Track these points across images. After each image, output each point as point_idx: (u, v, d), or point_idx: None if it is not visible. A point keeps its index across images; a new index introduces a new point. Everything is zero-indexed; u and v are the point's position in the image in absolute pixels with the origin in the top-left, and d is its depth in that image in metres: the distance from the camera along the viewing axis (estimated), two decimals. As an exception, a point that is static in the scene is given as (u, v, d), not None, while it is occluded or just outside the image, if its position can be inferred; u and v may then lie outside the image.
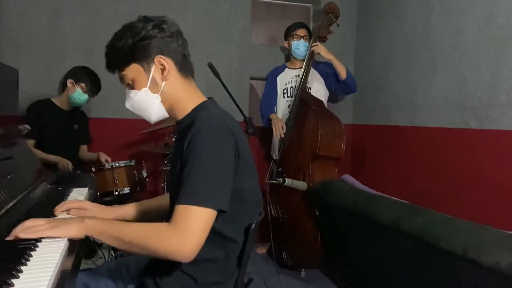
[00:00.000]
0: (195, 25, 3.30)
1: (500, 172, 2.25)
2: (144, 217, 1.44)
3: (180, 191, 1.05)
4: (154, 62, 1.18)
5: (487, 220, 1.99)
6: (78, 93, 2.71)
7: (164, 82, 1.20)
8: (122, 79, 1.22)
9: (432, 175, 2.73)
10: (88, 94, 2.74)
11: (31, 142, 2.65)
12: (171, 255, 1.01)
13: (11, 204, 1.29)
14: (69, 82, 2.71)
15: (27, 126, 2.02)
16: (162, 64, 1.18)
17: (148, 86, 1.20)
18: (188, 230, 1.00)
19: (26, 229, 1.07)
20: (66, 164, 2.57)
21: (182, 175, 1.08)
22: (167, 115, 1.26)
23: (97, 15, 3.09)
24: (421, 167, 2.83)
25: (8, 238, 1.06)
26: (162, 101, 1.22)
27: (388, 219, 1.86)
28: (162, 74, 1.19)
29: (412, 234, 1.69)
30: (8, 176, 1.40)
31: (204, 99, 1.26)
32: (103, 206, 1.42)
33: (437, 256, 1.56)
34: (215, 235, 1.12)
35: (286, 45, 3.20)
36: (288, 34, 3.15)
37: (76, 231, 1.08)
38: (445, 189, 2.61)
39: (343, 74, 3.02)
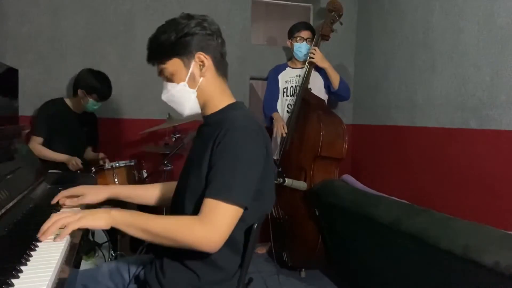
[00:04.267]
0: (195, 25, 3.30)
1: (500, 172, 2.25)
2: (134, 200, 1.47)
3: (210, 185, 1.08)
4: (194, 58, 1.21)
5: (487, 220, 1.99)
6: (92, 103, 2.73)
7: (201, 78, 1.23)
8: (161, 72, 1.25)
9: (432, 175, 2.73)
10: (101, 101, 2.76)
11: (39, 140, 2.66)
12: (198, 247, 1.05)
13: (11, 204, 1.29)
14: (81, 92, 2.71)
15: (27, 126, 2.02)
16: (202, 61, 1.22)
17: (186, 80, 1.23)
18: (216, 224, 1.05)
19: (54, 224, 1.09)
20: (75, 162, 2.58)
21: (213, 169, 1.11)
22: (199, 111, 1.29)
23: (97, 15, 3.09)
24: (421, 167, 2.83)
25: (38, 235, 1.09)
26: (198, 97, 1.25)
27: (388, 219, 1.86)
28: (201, 70, 1.23)
29: (412, 234, 1.69)
30: (8, 176, 1.40)
31: (234, 100, 1.29)
32: (95, 186, 1.47)
33: (437, 256, 1.56)
34: None
35: (289, 44, 3.19)
36: (292, 34, 3.14)
37: (104, 222, 1.10)
38: (445, 189, 2.61)
39: (335, 84, 3.01)
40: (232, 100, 1.28)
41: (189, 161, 1.30)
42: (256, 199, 1.15)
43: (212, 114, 1.26)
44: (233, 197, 1.06)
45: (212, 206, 1.05)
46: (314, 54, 2.96)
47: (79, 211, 1.17)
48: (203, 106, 1.27)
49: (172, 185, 1.46)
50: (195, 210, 1.13)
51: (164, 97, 1.28)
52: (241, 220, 1.16)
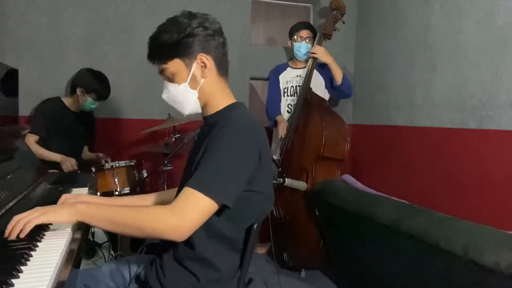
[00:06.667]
0: (195, 25, 3.30)
1: (500, 172, 2.25)
2: None
3: (193, 176, 1.07)
4: (196, 59, 1.20)
5: (487, 220, 1.99)
6: (89, 102, 2.74)
7: (203, 80, 1.22)
8: (162, 71, 1.24)
9: (432, 175, 2.73)
10: (99, 100, 2.77)
11: (34, 138, 2.65)
12: (165, 233, 1.02)
13: (11, 204, 1.29)
14: (79, 90, 2.72)
15: (27, 126, 2.02)
16: (203, 62, 1.20)
17: (188, 82, 1.22)
18: (187, 211, 1.02)
19: (17, 224, 1.04)
20: (69, 163, 2.58)
21: (200, 161, 1.10)
22: (200, 111, 1.28)
23: (97, 15, 3.09)
24: (421, 167, 2.83)
25: (6, 236, 1.04)
26: (199, 98, 1.24)
27: (388, 219, 1.86)
28: (202, 71, 1.21)
29: (412, 234, 1.69)
30: (8, 176, 1.40)
31: (235, 100, 1.28)
32: (101, 197, 1.44)
33: (437, 256, 1.56)
34: (219, 234, 1.13)
35: (289, 45, 3.20)
36: (292, 34, 3.14)
37: (67, 217, 1.07)
38: (445, 189, 2.61)
39: (338, 79, 3.02)
40: (232, 101, 1.27)
41: (188, 162, 1.29)
42: (248, 199, 1.14)
43: (211, 115, 1.26)
44: (211, 191, 1.03)
45: (187, 195, 1.04)
46: (315, 51, 2.96)
47: (44, 207, 1.12)
48: (203, 107, 1.27)
49: (172, 192, 1.44)
50: None
51: (164, 96, 1.27)
52: (237, 220, 1.16)
